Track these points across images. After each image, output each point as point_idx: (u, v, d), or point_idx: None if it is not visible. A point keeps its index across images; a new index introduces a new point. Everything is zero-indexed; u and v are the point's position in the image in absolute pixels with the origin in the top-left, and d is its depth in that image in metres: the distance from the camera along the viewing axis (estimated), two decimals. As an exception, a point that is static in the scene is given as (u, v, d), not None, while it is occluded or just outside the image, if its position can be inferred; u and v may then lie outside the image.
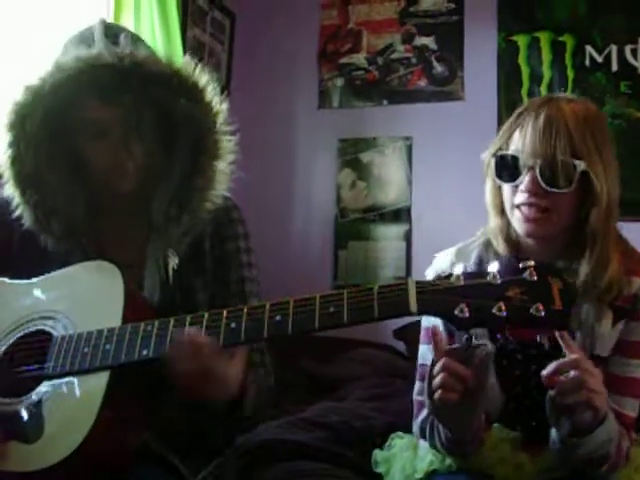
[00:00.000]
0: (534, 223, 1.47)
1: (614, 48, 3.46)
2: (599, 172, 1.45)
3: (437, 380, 1.29)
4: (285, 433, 1.87)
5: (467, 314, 1.11)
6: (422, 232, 3.68)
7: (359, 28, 3.92)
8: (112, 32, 1.45)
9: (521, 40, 3.60)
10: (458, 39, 3.73)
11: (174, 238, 1.46)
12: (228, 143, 1.49)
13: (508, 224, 1.56)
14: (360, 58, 3.90)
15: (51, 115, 1.41)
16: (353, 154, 3.85)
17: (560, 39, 3.55)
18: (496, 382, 1.55)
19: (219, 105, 1.47)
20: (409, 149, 3.76)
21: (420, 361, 1.68)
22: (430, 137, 3.69)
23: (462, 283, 1.14)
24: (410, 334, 3.21)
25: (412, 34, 3.81)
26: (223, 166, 1.49)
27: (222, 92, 3.68)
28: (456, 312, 1.11)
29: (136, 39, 1.51)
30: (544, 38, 3.57)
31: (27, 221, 1.46)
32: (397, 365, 2.97)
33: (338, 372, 2.89)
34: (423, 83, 3.78)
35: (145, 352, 1.24)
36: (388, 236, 3.77)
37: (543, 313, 1.10)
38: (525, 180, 1.47)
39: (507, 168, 1.51)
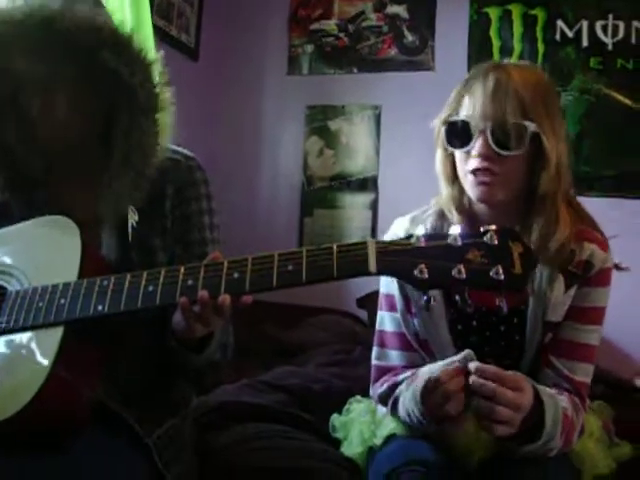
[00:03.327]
0: (487, 187, 1.47)
1: (585, 23, 3.47)
2: (549, 134, 1.46)
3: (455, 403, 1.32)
4: (244, 395, 1.86)
5: (426, 275, 1.10)
6: (388, 201, 3.67)
7: (331, -6, 3.87)
8: None
9: (493, 12, 3.59)
10: (430, 9, 3.71)
11: (122, 195, 1.42)
12: (164, 95, 1.43)
13: (460, 193, 1.56)
14: (331, 24, 3.86)
15: None
16: (321, 121, 3.83)
17: (531, 12, 3.55)
18: (451, 346, 1.56)
19: (151, 54, 1.41)
20: (377, 118, 3.75)
21: (378, 327, 1.69)
22: (399, 106, 3.67)
23: (423, 244, 1.13)
24: (372, 302, 3.23)
25: (384, 2, 3.78)
26: (165, 118, 1.43)
27: (191, 55, 3.64)
28: (415, 273, 1.11)
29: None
30: (516, 11, 3.56)
31: None
32: (359, 332, 2.98)
33: (300, 338, 2.90)
34: (393, 52, 3.76)
35: (100, 307, 1.22)
36: (355, 205, 3.77)
37: (503, 277, 1.09)
38: (477, 144, 1.46)
39: (458, 134, 1.50)
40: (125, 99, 1.39)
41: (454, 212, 1.56)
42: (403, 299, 1.61)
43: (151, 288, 1.21)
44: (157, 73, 1.41)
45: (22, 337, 1.27)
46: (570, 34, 3.49)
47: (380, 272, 1.12)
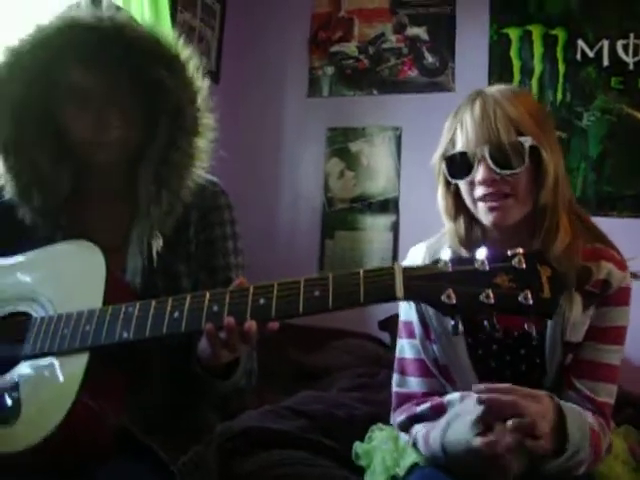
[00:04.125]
0: (499, 211, 1.46)
1: (606, 43, 3.45)
2: (545, 145, 1.45)
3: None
4: (267, 421, 1.85)
5: (454, 301, 1.09)
6: (409, 223, 3.66)
7: (350, 16, 3.89)
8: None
9: (513, 33, 3.58)
10: (450, 30, 3.71)
11: (156, 218, 1.43)
12: (208, 120, 1.45)
13: (468, 225, 1.55)
14: (351, 47, 3.87)
15: (31, 77, 1.37)
16: (342, 143, 3.83)
17: (552, 33, 3.54)
18: (472, 371, 1.54)
19: (200, 81, 1.43)
20: (398, 139, 3.74)
21: (398, 354, 1.68)
22: (419, 128, 3.66)
23: (449, 269, 1.12)
24: (394, 325, 3.21)
25: (403, 24, 3.79)
26: (203, 143, 1.46)
27: (212, 78, 3.65)
28: (443, 298, 1.09)
29: (119, 8, 1.48)
30: (536, 31, 3.56)
31: (8, 191, 1.43)
32: (381, 355, 2.95)
33: (323, 362, 2.88)
34: (414, 73, 3.76)
35: (125, 334, 1.22)
36: (375, 226, 3.76)
37: (531, 301, 1.08)
38: (479, 171, 1.45)
39: (459, 166, 1.49)
40: (170, 117, 1.41)
41: (458, 247, 1.55)
42: (422, 326, 1.60)
43: (177, 314, 1.20)
44: (202, 98, 1.45)
45: (48, 363, 1.27)
46: (591, 54, 3.47)
47: (407, 298, 1.11)
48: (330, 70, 3.89)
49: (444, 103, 3.63)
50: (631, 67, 3.41)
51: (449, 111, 3.57)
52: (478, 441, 1.32)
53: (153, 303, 1.23)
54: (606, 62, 3.45)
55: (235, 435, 1.75)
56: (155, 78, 1.39)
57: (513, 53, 3.58)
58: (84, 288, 1.34)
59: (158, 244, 1.45)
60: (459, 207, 1.55)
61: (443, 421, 1.46)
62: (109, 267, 1.34)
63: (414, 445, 1.55)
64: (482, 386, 1.34)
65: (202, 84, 1.45)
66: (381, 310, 3.18)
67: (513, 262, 1.11)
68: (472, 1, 3.66)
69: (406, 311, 1.65)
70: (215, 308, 1.18)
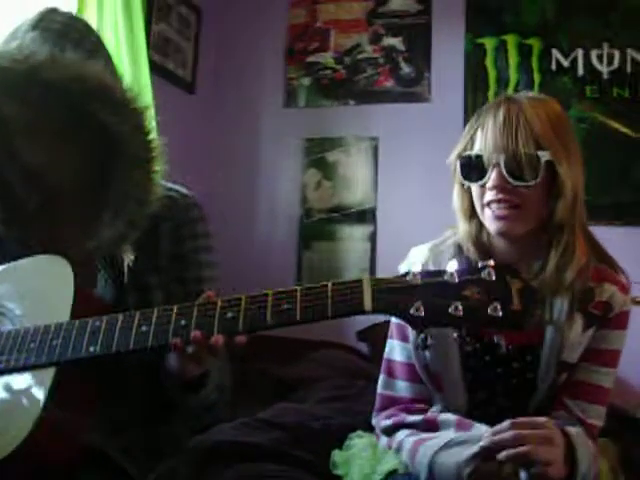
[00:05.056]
0: (505, 220, 1.46)
1: (580, 52, 3.48)
2: (563, 161, 1.44)
3: None
4: (240, 434, 1.83)
5: (422, 313, 1.08)
6: (387, 233, 3.66)
7: (327, 27, 3.90)
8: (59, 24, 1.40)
9: (488, 43, 3.61)
10: (426, 41, 3.73)
11: (114, 242, 1.40)
12: (156, 143, 1.40)
13: (479, 228, 1.55)
14: (327, 57, 3.88)
15: None
16: (319, 154, 3.83)
17: (527, 42, 3.56)
18: (461, 381, 1.53)
19: (139, 103, 1.39)
20: (375, 149, 3.74)
21: (387, 356, 1.67)
22: (396, 138, 3.67)
23: (419, 282, 1.11)
24: (373, 335, 3.20)
25: (380, 34, 3.80)
26: (155, 167, 1.42)
27: (188, 89, 3.64)
28: (411, 311, 1.09)
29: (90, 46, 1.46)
30: (511, 41, 3.58)
31: None
32: (359, 366, 2.94)
33: (299, 373, 2.86)
34: (390, 84, 3.76)
35: (92, 349, 1.20)
36: (353, 237, 3.75)
37: (500, 313, 1.07)
38: (492, 177, 1.46)
39: (473, 168, 1.50)
40: (117, 149, 1.36)
41: (471, 248, 1.54)
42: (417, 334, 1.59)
43: (144, 328, 1.19)
44: (149, 120, 1.39)
45: (13, 378, 1.24)
46: (566, 63, 3.50)
47: (376, 311, 1.10)
48: (307, 81, 3.89)
49: (420, 113, 3.70)
50: (605, 76, 3.44)
51: (425, 121, 3.61)
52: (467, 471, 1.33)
53: (120, 317, 1.22)
54: (581, 71, 3.48)
55: (207, 449, 1.73)
56: (87, 112, 1.35)
57: (489, 63, 3.60)
58: (52, 302, 1.32)
59: (129, 257, 1.43)
60: (474, 208, 1.54)
61: (439, 441, 1.44)
62: (77, 281, 1.32)
63: (397, 450, 1.54)
64: (486, 431, 1.33)
65: (144, 105, 1.39)
66: (359, 320, 3.17)
67: (482, 274, 1.11)
68: (448, 11, 3.68)
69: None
70: (182, 322, 1.17)
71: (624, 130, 3.39)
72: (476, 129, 1.51)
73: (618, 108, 3.42)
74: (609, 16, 3.46)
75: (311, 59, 3.90)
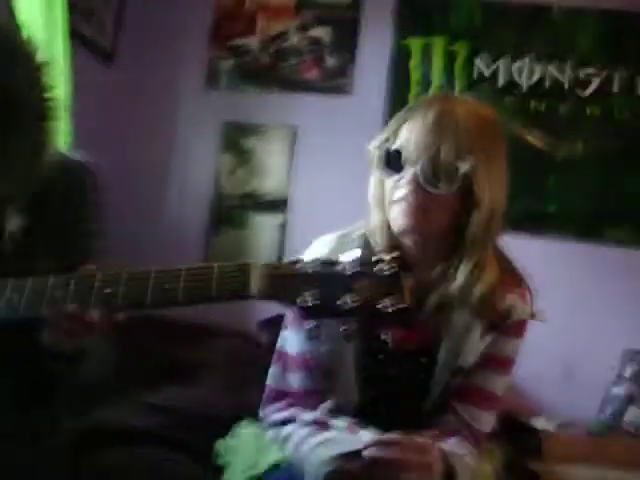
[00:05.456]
0: (410, 220, 1.42)
1: (502, 63, 3.51)
2: (483, 175, 1.40)
3: None
4: (123, 417, 1.77)
5: (310, 303, 1.05)
6: (298, 224, 3.62)
7: (255, 10, 3.82)
8: None
9: (415, 44, 3.60)
10: (353, 35, 3.69)
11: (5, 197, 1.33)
12: (55, 101, 1.34)
13: (388, 221, 1.50)
14: (253, 42, 3.80)
15: None
16: (236, 139, 3.76)
17: (453, 48, 3.56)
18: (354, 380, 1.51)
19: (37, 57, 1.32)
20: (293, 139, 3.69)
21: (280, 348, 1.63)
22: (316, 129, 3.63)
23: (310, 270, 1.07)
24: (274, 327, 3.16)
25: (307, 24, 3.75)
26: (51, 126, 1.35)
27: (106, 58, 3.51)
28: (299, 300, 1.05)
29: None
30: (438, 44, 3.58)
31: None
32: (256, 356, 2.90)
33: (194, 358, 2.80)
34: (313, 74, 3.72)
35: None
36: (263, 225, 3.70)
37: (390, 309, 1.05)
38: (406, 176, 1.42)
39: (391, 162, 1.46)
40: (11, 102, 1.28)
41: (379, 239, 1.50)
42: (314, 326, 1.55)
43: (15, 297, 1.12)
44: (49, 76, 1.33)
45: None
46: (487, 73, 3.53)
47: (262, 296, 1.06)
48: (229, 64, 3.80)
49: (342, 106, 3.66)
50: (524, 89, 3.49)
51: (346, 114, 3.57)
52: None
53: None
54: (501, 82, 3.51)
55: (87, 430, 1.66)
56: None
57: (413, 64, 3.59)
58: None
59: (14, 222, 1.35)
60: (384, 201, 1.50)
61: (321, 438, 1.42)
62: None
63: (284, 441, 1.50)
64: (371, 439, 1.31)
65: (43, 60, 1.33)
66: (264, 309, 3.12)
67: (376, 268, 1.08)
68: (377, 8, 3.66)
69: None
70: (58, 293, 1.10)
71: (537, 143, 3.44)
72: (402, 123, 1.47)
73: (534, 121, 3.46)
74: (533, 28, 3.51)
75: (236, 42, 3.81)
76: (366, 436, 1.36)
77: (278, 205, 3.70)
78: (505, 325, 1.49)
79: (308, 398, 1.55)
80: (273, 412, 1.58)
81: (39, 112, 1.32)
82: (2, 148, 1.29)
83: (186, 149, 3.79)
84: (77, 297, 1.09)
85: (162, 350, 2.90)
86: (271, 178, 3.72)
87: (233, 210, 3.73)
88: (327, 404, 1.52)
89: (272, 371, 1.63)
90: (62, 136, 1.39)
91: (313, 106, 3.68)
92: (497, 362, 1.51)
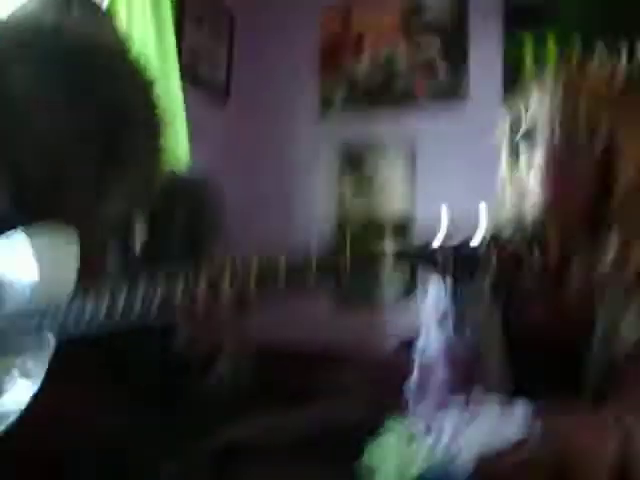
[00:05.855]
0: (555, 192, 1.36)
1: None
2: (624, 131, 1.35)
3: None
4: (257, 433, 1.74)
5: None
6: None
7: (361, 32, 3.80)
8: None
9: (527, 37, 3.47)
10: (461, 40, 3.61)
11: (122, 213, 1.34)
12: (164, 117, 1.36)
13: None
14: (363, 63, 3.79)
15: None
16: (356, 161, 3.73)
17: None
18: (504, 370, 1.43)
19: (148, 76, 1.35)
20: (412, 154, 3.63)
21: (417, 354, 1.59)
22: (434, 141, 3.56)
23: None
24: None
25: (415, 38, 3.71)
26: (162, 141, 1.36)
27: (220, 98, 3.57)
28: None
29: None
30: (550, 38, 3.45)
31: None
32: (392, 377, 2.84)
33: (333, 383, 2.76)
34: (426, 86, 3.66)
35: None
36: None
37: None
38: (545, 150, 1.36)
39: (524, 140, 1.41)
40: (125, 118, 1.32)
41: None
42: (457, 317, 1.50)
43: (148, 300, 1.11)
44: (156, 94, 1.37)
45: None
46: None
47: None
48: (342, 88, 3.80)
49: (458, 112, 3.55)
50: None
51: (464, 120, 3.46)
52: None
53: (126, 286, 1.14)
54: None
55: (225, 448, 1.64)
56: (99, 80, 1.30)
57: (526, 60, 3.47)
58: (57, 273, 1.27)
59: (141, 233, 1.37)
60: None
61: (474, 428, 1.35)
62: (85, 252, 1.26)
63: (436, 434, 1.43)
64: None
65: (152, 78, 1.36)
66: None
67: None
68: (481, 10, 3.59)
69: (440, 300, 1.54)
70: (187, 282, 1.09)
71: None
72: (532, 87, 1.43)
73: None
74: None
75: (346, 65, 3.81)
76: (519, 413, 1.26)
77: (401, 230, 3.59)
78: None
79: (455, 393, 1.48)
80: (420, 411, 1.51)
81: (151, 128, 1.34)
82: (117, 165, 1.32)
83: (307, 177, 3.80)
84: (209, 280, 1.08)
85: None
86: (393, 199, 3.65)
87: (358, 235, 3.67)
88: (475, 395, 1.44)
89: (415, 375, 1.58)
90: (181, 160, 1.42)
91: (429, 118, 3.62)
92: None
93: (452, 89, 3.61)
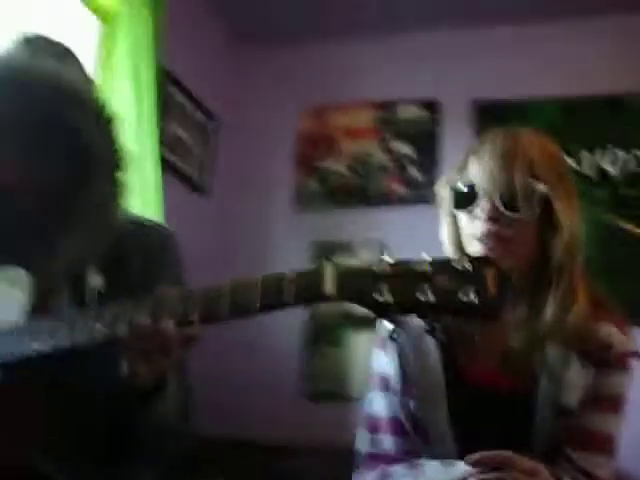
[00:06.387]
0: (494, 254, 1.37)
1: (585, 156, 3.49)
2: (561, 198, 1.39)
3: None
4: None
5: (389, 298, 1.00)
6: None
7: (336, 133, 3.94)
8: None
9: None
10: (433, 145, 3.76)
11: (76, 257, 1.33)
12: (123, 154, 1.36)
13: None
14: (337, 163, 3.90)
15: None
16: (326, 258, 3.77)
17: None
18: (449, 433, 1.42)
19: (108, 113, 1.35)
20: (381, 253, 3.68)
21: (369, 411, 1.56)
22: (402, 241, 3.61)
23: (387, 269, 1.03)
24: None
25: (388, 141, 3.84)
26: (120, 177, 1.36)
27: (200, 190, 3.57)
28: (376, 296, 1.00)
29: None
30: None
31: None
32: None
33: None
34: (398, 187, 3.76)
35: (35, 345, 1.12)
36: (360, 343, 3.63)
37: (476, 300, 0.98)
38: (484, 207, 1.39)
39: (465, 197, 1.43)
40: (87, 155, 1.31)
41: None
42: (402, 379, 1.49)
43: (97, 325, 1.11)
44: (118, 130, 1.36)
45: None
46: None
47: (339, 296, 1.02)
48: (315, 185, 3.90)
49: (428, 216, 3.61)
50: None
51: (433, 223, 3.52)
52: None
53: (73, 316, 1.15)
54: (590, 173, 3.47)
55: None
56: (59, 118, 1.33)
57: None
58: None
59: (95, 281, 1.36)
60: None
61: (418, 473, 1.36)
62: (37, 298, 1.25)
63: None
64: (476, 455, 1.22)
65: (112, 115, 1.38)
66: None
67: (455, 264, 1.03)
68: (454, 119, 3.73)
69: (382, 364, 1.55)
70: (133, 313, 1.09)
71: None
72: (470, 159, 1.46)
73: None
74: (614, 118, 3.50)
75: (320, 164, 3.92)
76: (463, 467, 1.25)
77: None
78: (606, 358, 1.39)
79: (404, 459, 1.46)
80: (370, 475, 1.49)
81: (113, 164, 1.34)
82: (80, 203, 1.31)
83: (279, 269, 3.80)
84: (152, 313, 1.07)
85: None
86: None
87: (329, 329, 3.68)
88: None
89: (361, 436, 1.56)
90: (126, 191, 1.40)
91: (399, 219, 3.69)
92: (605, 399, 1.39)
93: (422, 190, 3.70)
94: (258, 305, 1.04)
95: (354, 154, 3.89)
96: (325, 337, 3.71)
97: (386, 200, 3.77)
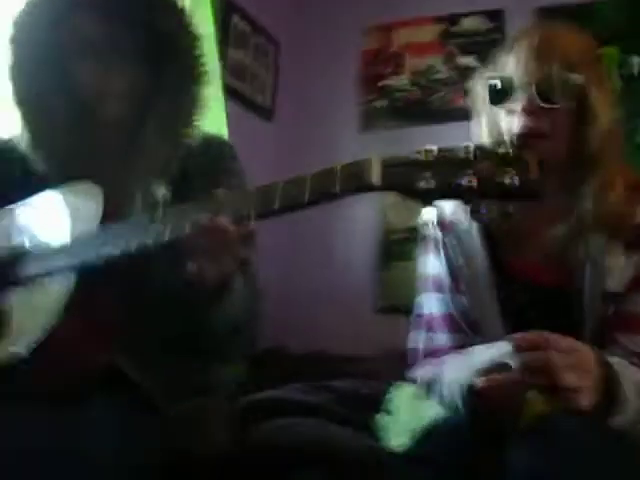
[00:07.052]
0: (530, 142, 1.38)
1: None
2: (596, 88, 1.40)
3: None
4: (281, 393, 1.78)
5: (432, 185, 1.03)
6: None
7: (401, 50, 3.91)
8: None
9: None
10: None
11: (158, 166, 1.42)
12: (206, 68, 1.47)
13: None
14: (402, 80, 3.88)
15: (48, 26, 1.41)
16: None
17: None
18: (501, 327, 1.46)
19: (199, 28, 1.45)
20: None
21: (422, 311, 1.61)
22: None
23: (431, 158, 1.06)
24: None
25: (453, 54, 3.79)
26: (204, 92, 1.46)
27: (266, 116, 3.62)
28: (421, 184, 1.04)
29: None
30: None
31: (23, 141, 1.45)
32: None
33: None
34: (464, 103, 3.71)
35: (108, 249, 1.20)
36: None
37: (517, 182, 1.01)
38: (521, 99, 1.40)
39: (501, 92, 1.44)
40: (173, 64, 1.43)
41: None
42: (451, 278, 1.54)
43: (160, 227, 1.18)
44: (204, 47, 1.47)
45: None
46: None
47: (384, 185, 1.06)
48: (381, 104, 3.89)
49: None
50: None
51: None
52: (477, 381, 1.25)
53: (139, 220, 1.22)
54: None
55: (253, 404, 1.68)
56: (154, 25, 1.41)
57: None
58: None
59: (163, 193, 1.44)
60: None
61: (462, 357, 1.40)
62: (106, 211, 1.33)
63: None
64: (515, 335, 1.25)
65: (202, 31, 1.46)
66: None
67: (499, 149, 1.05)
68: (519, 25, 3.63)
69: (434, 266, 1.60)
70: (195, 215, 1.15)
71: None
72: (507, 54, 1.46)
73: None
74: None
75: (386, 82, 3.90)
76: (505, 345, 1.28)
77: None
78: None
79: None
80: (424, 371, 1.55)
81: (197, 75, 1.44)
82: (164, 106, 1.42)
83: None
84: (210, 212, 1.14)
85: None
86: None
87: (400, 244, 3.72)
88: None
89: (415, 335, 1.61)
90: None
91: (465, 135, 3.65)
92: None
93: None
94: (306, 197, 1.09)
95: (419, 70, 3.85)
96: (396, 251, 3.73)
97: (451, 115, 3.72)
